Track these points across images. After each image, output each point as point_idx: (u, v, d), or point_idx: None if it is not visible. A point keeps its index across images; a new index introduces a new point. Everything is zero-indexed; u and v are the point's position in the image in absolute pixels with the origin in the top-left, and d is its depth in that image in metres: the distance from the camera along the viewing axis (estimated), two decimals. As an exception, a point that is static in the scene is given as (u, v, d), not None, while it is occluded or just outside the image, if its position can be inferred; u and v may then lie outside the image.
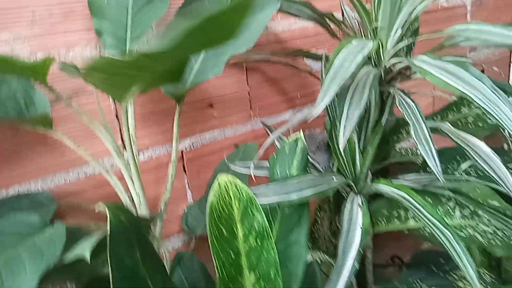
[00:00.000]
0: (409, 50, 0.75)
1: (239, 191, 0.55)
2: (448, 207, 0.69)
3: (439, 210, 0.70)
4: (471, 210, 0.66)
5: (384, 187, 0.66)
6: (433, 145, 0.54)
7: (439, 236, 0.56)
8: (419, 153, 0.89)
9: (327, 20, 0.72)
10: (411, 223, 0.76)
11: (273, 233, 0.61)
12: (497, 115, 0.49)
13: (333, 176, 0.68)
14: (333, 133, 0.69)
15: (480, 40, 0.62)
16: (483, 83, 0.51)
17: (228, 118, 0.78)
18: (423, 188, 0.68)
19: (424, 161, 0.82)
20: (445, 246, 0.55)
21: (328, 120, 0.72)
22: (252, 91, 0.80)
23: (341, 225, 0.61)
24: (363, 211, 0.64)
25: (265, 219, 0.56)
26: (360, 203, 0.66)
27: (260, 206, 0.56)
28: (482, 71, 1.12)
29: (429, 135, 0.55)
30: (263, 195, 0.58)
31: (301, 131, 0.64)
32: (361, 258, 0.87)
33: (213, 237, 0.54)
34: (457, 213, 0.68)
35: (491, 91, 0.50)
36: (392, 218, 0.79)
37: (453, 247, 0.54)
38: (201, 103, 0.74)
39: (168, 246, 0.77)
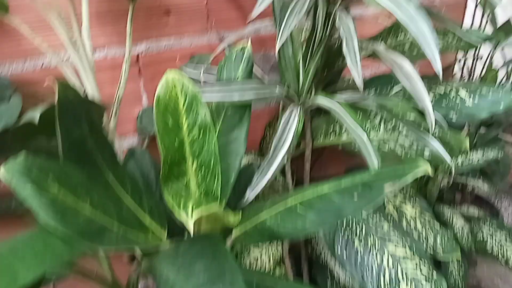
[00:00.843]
0: (359, -26, 0.79)
1: (186, 87, 0.61)
2: (375, 122, 0.78)
3: (367, 124, 0.79)
4: (393, 125, 0.75)
5: (321, 99, 0.74)
6: (360, 58, 0.61)
7: (359, 142, 0.64)
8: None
9: None
10: (344, 137, 0.85)
11: (216, 129, 0.69)
12: (416, 31, 0.55)
13: (277, 86, 0.75)
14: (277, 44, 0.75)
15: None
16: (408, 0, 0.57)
17: (185, 27, 0.81)
18: (354, 103, 0.76)
19: (365, 84, 0.90)
20: (365, 157, 0.64)
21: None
22: (210, 3, 0.83)
23: (276, 129, 0.69)
24: (298, 119, 0.72)
25: (209, 114, 0.63)
26: (298, 113, 0.74)
27: (204, 103, 0.62)
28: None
29: (358, 49, 0.61)
30: (208, 92, 0.64)
31: (250, 40, 0.69)
32: (298, 169, 0.97)
33: (159, 126, 0.61)
34: (382, 127, 0.77)
35: (415, 9, 0.57)
36: (329, 133, 0.88)
37: (371, 159, 0.63)
38: (157, 9, 0.77)
39: (124, 145, 0.84)
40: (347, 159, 1.12)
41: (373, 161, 0.61)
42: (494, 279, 1.59)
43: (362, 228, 0.80)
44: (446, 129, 0.67)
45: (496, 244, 1.12)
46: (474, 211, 1.30)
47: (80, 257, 0.45)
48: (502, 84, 1.54)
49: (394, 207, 0.89)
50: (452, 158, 0.72)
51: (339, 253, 0.78)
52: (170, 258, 0.56)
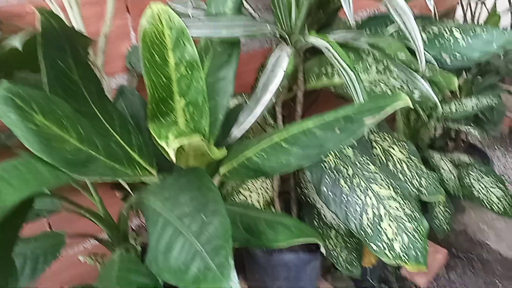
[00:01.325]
0: None
1: (172, 20, 0.59)
2: (367, 63, 0.77)
3: (359, 65, 0.78)
4: (384, 66, 0.74)
5: (313, 38, 0.72)
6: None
7: (347, 81, 0.64)
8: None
9: None
10: (336, 79, 0.84)
11: (205, 68, 0.68)
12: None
13: (267, 24, 0.73)
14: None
15: None
16: None
17: (174, -40, 0.78)
18: (347, 43, 0.74)
19: (361, 24, 0.87)
20: (352, 95, 0.63)
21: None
22: None
23: (265, 67, 0.68)
24: (289, 59, 0.71)
25: (196, 51, 0.62)
26: (289, 52, 0.72)
27: (191, 38, 0.61)
28: None
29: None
30: (195, 27, 0.62)
31: (239, -26, 0.66)
32: (291, 114, 0.97)
33: (146, 61, 0.60)
34: (373, 68, 0.77)
35: None
36: (321, 75, 0.87)
37: (358, 97, 0.63)
38: None
39: (113, 83, 0.83)
40: (343, 104, 1.12)
41: (360, 99, 0.61)
42: (480, 224, 1.65)
43: (349, 169, 0.82)
44: (436, 68, 0.67)
45: (483, 189, 1.15)
46: (465, 158, 1.32)
47: (67, 184, 0.46)
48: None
49: (382, 150, 0.90)
50: (440, 98, 0.72)
51: (325, 193, 0.81)
52: (157, 190, 0.58)
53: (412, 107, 0.41)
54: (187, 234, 0.47)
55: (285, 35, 0.77)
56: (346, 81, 0.63)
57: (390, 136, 0.92)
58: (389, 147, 0.90)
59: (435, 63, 0.66)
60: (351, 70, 0.64)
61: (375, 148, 0.90)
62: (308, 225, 0.71)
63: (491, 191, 1.14)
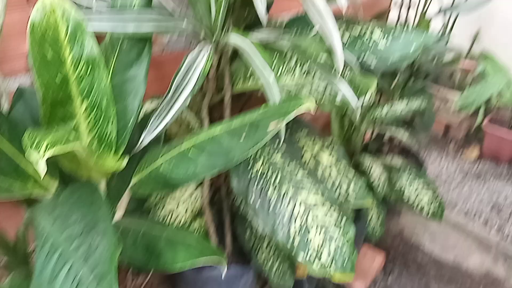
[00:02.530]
0: None
1: (67, 13, 0.52)
2: (291, 65, 0.74)
3: (283, 68, 0.75)
4: (307, 68, 0.71)
5: (234, 36, 0.68)
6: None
7: (264, 82, 0.60)
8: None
9: None
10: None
11: (111, 67, 0.61)
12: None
13: (184, 20, 0.68)
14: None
15: None
16: None
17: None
18: (269, 42, 0.71)
19: (286, 24, 0.85)
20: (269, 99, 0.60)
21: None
22: None
23: (179, 68, 0.63)
24: (207, 58, 0.66)
25: (97, 46, 0.55)
26: (208, 51, 0.68)
27: (91, 32, 0.54)
28: None
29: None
30: (96, 20, 0.56)
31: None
32: (219, 116, 0.92)
33: (35, 58, 0.53)
34: (297, 70, 0.74)
35: None
36: (248, 77, 0.83)
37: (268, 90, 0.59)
38: None
39: (15, 85, 0.74)
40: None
41: (276, 102, 0.58)
42: (416, 227, 1.70)
43: (277, 176, 0.78)
44: (356, 70, 0.65)
45: (413, 192, 1.16)
46: (398, 161, 1.34)
47: None
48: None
49: (311, 155, 0.88)
50: (371, 102, 0.70)
51: (252, 202, 0.76)
52: (49, 208, 0.51)
53: (313, 109, 0.38)
54: (74, 259, 0.41)
55: (205, 32, 0.72)
56: (263, 83, 0.59)
57: (320, 140, 0.90)
58: (318, 152, 0.88)
59: (356, 65, 0.64)
60: (270, 72, 0.60)
61: (305, 153, 0.88)
62: (209, 242, 0.66)
63: (420, 194, 1.16)
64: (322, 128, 1.42)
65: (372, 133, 1.55)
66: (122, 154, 0.60)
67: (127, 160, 0.55)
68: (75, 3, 0.67)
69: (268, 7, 0.89)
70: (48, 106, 0.55)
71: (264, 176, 0.78)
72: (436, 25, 1.48)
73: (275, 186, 0.77)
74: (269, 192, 0.77)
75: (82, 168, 0.55)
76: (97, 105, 0.58)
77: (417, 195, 1.15)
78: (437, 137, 2.32)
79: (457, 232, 1.71)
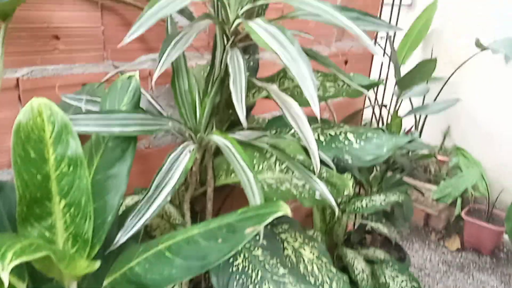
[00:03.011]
0: (258, 16, 0.81)
1: (54, 115, 0.55)
2: (271, 162, 0.77)
3: (264, 164, 0.78)
4: (286, 165, 0.74)
5: (215, 136, 0.71)
6: (244, 96, 0.60)
7: (244, 181, 0.62)
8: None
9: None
10: None
11: (94, 164, 0.62)
12: (296, 72, 0.55)
13: (170, 121, 0.71)
14: (175, 81, 0.72)
15: (311, 14, 0.69)
16: (292, 44, 0.58)
17: (77, 54, 0.76)
18: (250, 141, 0.74)
19: (267, 124, 0.90)
20: (249, 198, 0.61)
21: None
22: (107, 30, 0.79)
23: (162, 166, 0.64)
24: (190, 157, 0.68)
25: (80, 146, 0.57)
26: (191, 150, 0.70)
27: (75, 133, 0.56)
28: (346, 62, 1.24)
29: (245, 85, 0.60)
30: (82, 123, 0.58)
31: (138, 72, 0.65)
32: (202, 208, 0.93)
33: (18, 158, 0.54)
34: (277, 167, 0.76)
35: (297, 52, 0.57)
36: (231, 171, 0.85)
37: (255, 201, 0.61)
38: (44, 32, 0.71)
39: (-4, 178, 0.74)
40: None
41: (256, 201, 0.59)
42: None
43: (258, 273, 0.77)
44: (333, 170, 0.68)
45: (397, 287, 1.14)
46: (381, 254, 1.33)
47: None
48: (409, 134, 1.66)
49: (293, 250, 0.87)
50: (350, 195, 0.72)
51: (232, 300, 0.73)
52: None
53: (290, 215, 0.39)
54: None
55: (190, 132, 0.76)
56: (243, 181, 0.61)
57: (301, 235, 0.89)
58: (300, 247, 0.87)
59: (332, 164, 0.67)
60: (250, 171, 0.62)
61: (286, 248, 0.87)
62: None
63: (405, 290, 1.13)
64: (305, 217, 1.42)
65: (354, 224, 1.55)
66: (97, 253, 0.58)
67: (100, 262, 0.53)
68: (66, 102, 0.71)
69: (251, 108, 0.95)
70: (26, 204, 0.55)
71: (244, 272, 0.76)
72: (408, 121, 1.59)
73: (256, 284, 0.75)
74: (249, 291, 0.74)
75: (53, 269, 0.53)
76: (75, 203, 0.58)
77: (401, 291, 1.13)
78: (418, 227, 2.33)
79: (447, 330, 1.63)
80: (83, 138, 0.60)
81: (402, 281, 1.15)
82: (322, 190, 0.64)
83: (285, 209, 0.40)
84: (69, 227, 0.58)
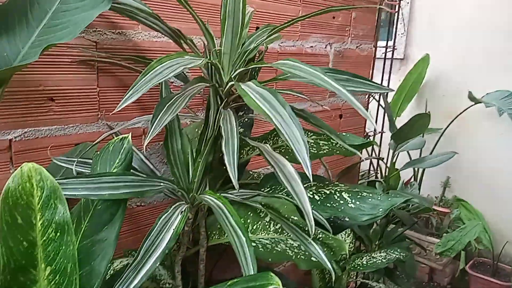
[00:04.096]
0: (252, 78, 0.83)
1: (43, 180, 0.54)
2: (265, 221, 0.75)
3: (258, 224, 0.76)
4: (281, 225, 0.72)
5: (207, 197, 0.70)
6: (237, 157, 0.60)
7: (236, 245, 0.60)
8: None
9: (182, 39, 0.77)
10: (250, 235, 0.80)
11: (82, 228, 0.61)
12: (289, 136, 0.55)
13: (161, 182, 0.70)
14: (168, 141, 0.73)
15: (296, 75, 0.71)
16: (284, 108, 0.58)
17: (72, 115, 0.77)
18: (243, 201, 0.73)
19: (261, 181, 0.89)
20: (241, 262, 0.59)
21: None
22: (102, 92, 0.80)
23: (152, 229, 0.63)
24: (181, 218, 0.67)
25: (68, 212, 0.56)
26: (183, 210, 0.69)
27: (64, 198, 0.55)
28: (340, 116, 1.26)
29: (237, 148, 0.60)
30: (71, 187, 0.57)
31: (131, 134, 0.66)
32: (194, 269, 0.89)
33: (4, 225, 0.52)
34: (272, 227, 0.75)
35: (289, 115, 0.58)
36: (224, 231, 0.83)
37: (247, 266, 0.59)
38: (39, 95, 0.72)
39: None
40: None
41: (249, 267, 0.57)
42: None
43: None
44: (328, 232, 0.66)
45: None
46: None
47: None
48: (408, 185, 1.64)
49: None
50: (351, 252, 0.69)
51: None
52: None
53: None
54: None
55: (183, 192, 0.75)
56: (235, 245, 0.59)
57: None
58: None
59: (328, 226, 0.66)
60: (242, 234, 0.61)
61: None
62: None
63: None
64: (304, 275, 1.37)
65: (356, 283, 1.49)
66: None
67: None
68: (56, 163, 0.70)
69: (246, 164, 0.94)
70: (10, 272, 0.53)
71: None
72: (407, 172, 1.58)
73: None
74: None
75: None
76: (61, 270, 0.55)
77: None
78: (423, 283, 2.24)
79: None
80: (73, 199, 0.59)
81: None
82: (318, 253, 0.62)
83: (276, 282, 0.38)
84: (53, 296, 0.55)
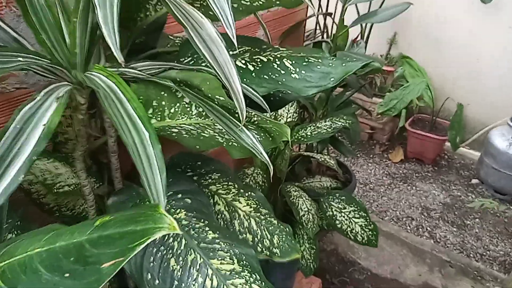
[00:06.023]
0: None
1: None
2: (185, 103, 0.57)
3: (176, 107, 0.58)
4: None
5: (94, 74, 0.49)
6: (117, 9, 0.38)
7: (134, 149, 0.43)
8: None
9: None
10: (168, 121, 0.62)
11: None
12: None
13: (20, 55, 0.47)
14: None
15: None
16: None
17: None
18: (150, 78, 0.53)
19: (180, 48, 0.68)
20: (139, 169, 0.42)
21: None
22: None
23: (3, 130, 0.42)
24: (58, 105, 0.46)
25: None
26: (61, 95, 0.48)
27: None
28: None
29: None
30: None
31: None
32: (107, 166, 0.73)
33: None
34: (194, 110, 0.57)
35: None
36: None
37: (141, 159, 0.42)
38: None
39: None
40: (174, 146, 0.91)
41: (154, 195, 0.41)
42: (350, 242, 1.61)
43: (181, 241, 0.61)
44: (265, 114, 0.50)
45: (346, 220, 1.06)
46: (326, 181, 1.23)
47: None
48: (354, 44, 1.48)
49: (226, 205, 0.72)
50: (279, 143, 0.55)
51: (150, 281, 0.58)
52: None
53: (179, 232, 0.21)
54: None
55: (61, 69, 0.52)
56: (133, 144, 0.41)
57: (235, 184, 0.74)
58: (234, 200, 0.72)
59: (266, 106, 0.49)
60: (144, 126, 0.43)
61: (217, 203, 0.72)
62: None
63: (353, 222, 1.05)
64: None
65: (299, 148, 1.43)
66: None
67: None
68: None
69: (162, 25, 0.71)
70: None
71: (163, 243, 0.61)
72: (353, 31, 1.40)
73: (180, 257, 0.60)
74: (171, 265, 0.59)
75: None
76: None
77: (350, 223, 1.05)
78: (362, 141, 2.29)
79: (391, 242, 1.66)
80: None
81: (349, 212, 1.06)
82: (251, 141, 0.47)
83: (169, 226, 0.22)
84: None
